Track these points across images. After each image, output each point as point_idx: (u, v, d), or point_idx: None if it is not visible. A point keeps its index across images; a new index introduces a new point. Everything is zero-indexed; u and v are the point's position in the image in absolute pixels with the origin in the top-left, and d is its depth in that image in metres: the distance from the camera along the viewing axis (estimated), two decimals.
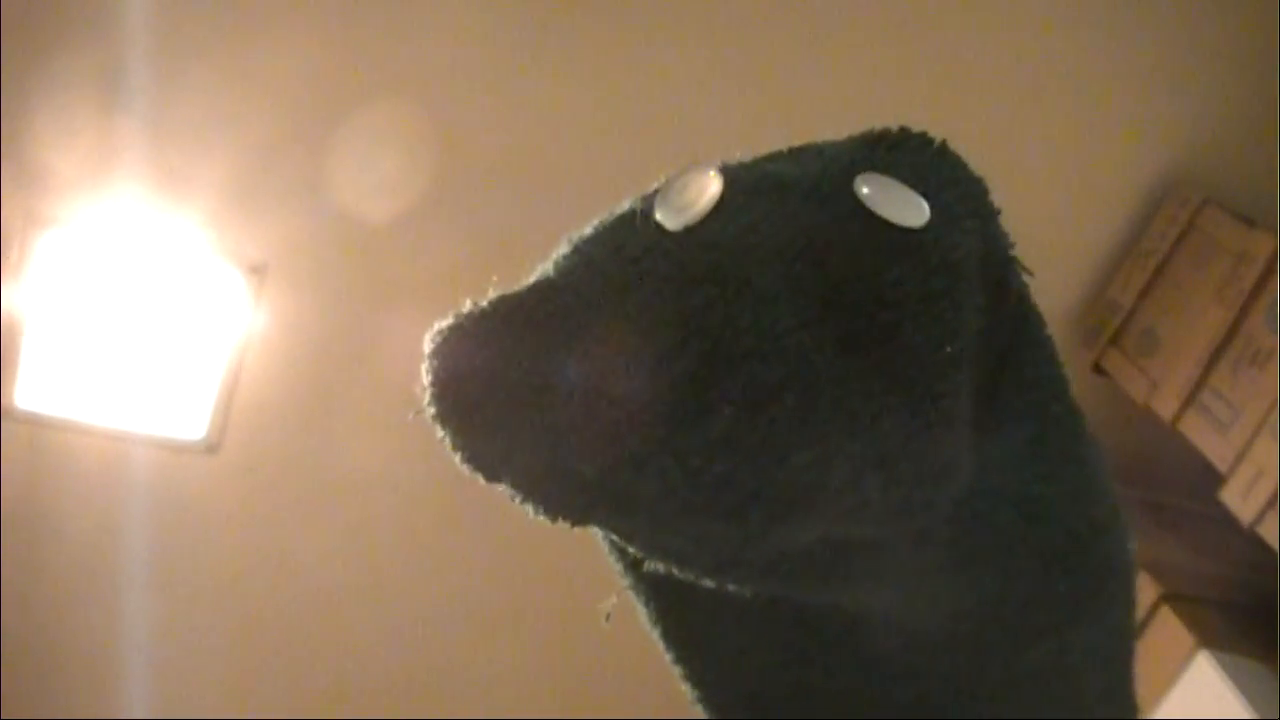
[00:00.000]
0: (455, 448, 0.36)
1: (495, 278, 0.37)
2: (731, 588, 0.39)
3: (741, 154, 0.39)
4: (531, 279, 0.36)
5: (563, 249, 0.37)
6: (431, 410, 0.35)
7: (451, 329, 0.35)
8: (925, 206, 0.35)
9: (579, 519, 0.36)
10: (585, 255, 0.36)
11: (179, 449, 1.98)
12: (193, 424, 1.96)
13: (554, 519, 0.37)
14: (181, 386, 1.93)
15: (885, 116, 0.40)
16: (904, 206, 0.35)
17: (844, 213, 0.35)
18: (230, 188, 1.82)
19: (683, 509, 0.33)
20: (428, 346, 0.36)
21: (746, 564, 0.37)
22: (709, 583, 0.39)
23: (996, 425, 0.37)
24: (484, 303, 0.35)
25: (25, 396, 1.88)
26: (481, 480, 0.36)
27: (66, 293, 1.83)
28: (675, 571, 0.39)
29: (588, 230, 0.37)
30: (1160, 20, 1.92)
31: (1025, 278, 0.39)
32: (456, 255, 1.81)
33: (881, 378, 0.33)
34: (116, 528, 2.03)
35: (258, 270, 1.86)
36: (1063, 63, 1.93)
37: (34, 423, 1.90)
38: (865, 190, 0.35)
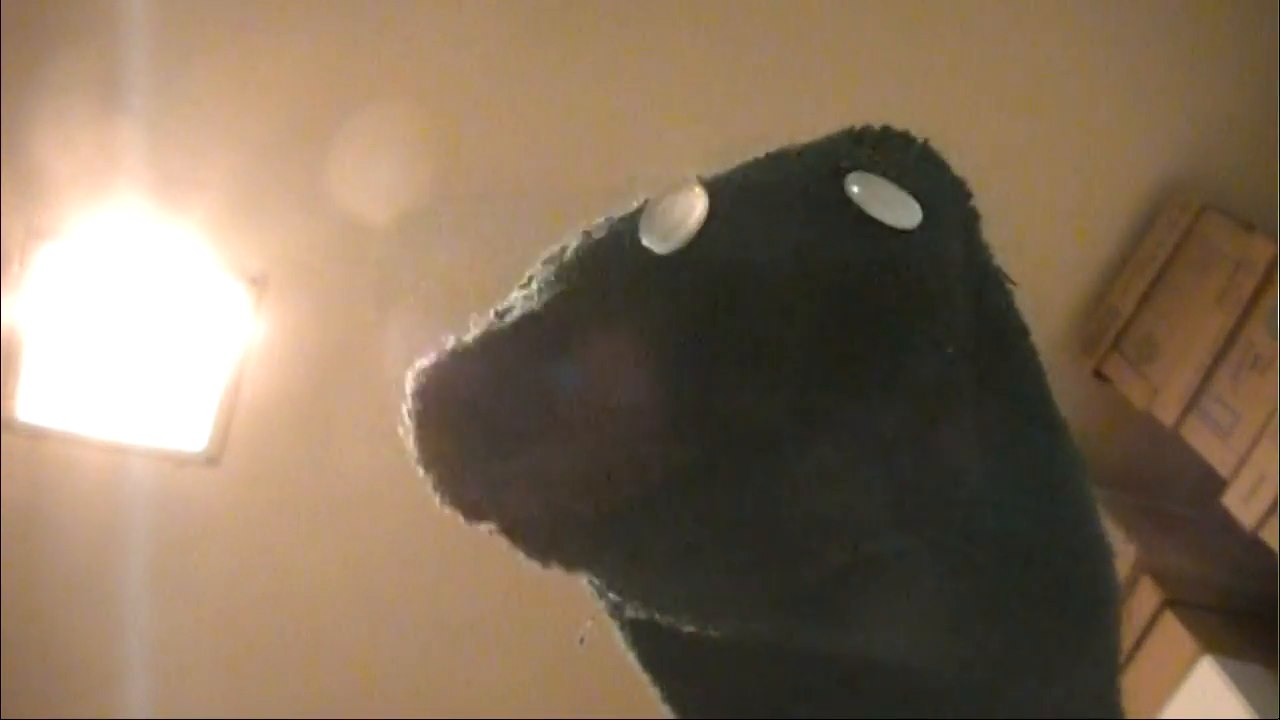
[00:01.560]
0: (438, 492, 0.35)
1: (475, 314, 0.36)
2: (719, 634, 0.38)
3: (739, 153, 0.38)
4: (515, 309, 0.35)
5: (541, 273, 0.35)
6: (415, 451, 0.35)
7: (435, 366, 0.34)
8: (917, 207, 0.35)
9: (574, 564, 0.36)
10: (571, 283, 0.34)
11: (180, 461, 1.98)
12: (193, 436, 1.96)
13: (545, 563, 0.36)
14: (182, 398, 1.93)
15: (882, 121, 0.39)
16: (895, 207, 0.34)
17: (835, 215, 0.34)
18: (230, 199, 1.82)
19: (692, 550, 0.32)
20: (409, 385, 0.35)
21: (746, 606, 0.36)
22: (700, 629, 0.38)
23: (978, 457, 0.36)
24: (467, 338, 0.34)
25: (26, 409, 1.88)
26: (462, 520, 0.35)
27: (67, 305, 1.83)
28: (664, 619, 0.38)
29: (569, 255, 0.36)
30: (1159, 26, 1.92)
31: (1009, 288, 0.38)
32: (458, 266, 1.81)
33: (885, 382, 0.32)
34: (117, 540, 2.02)
35: (258, 282, 1.86)
36: (1061, 69, 1.94)
37: (35, 435, 1.90)
38: (856, 190, 0.34)
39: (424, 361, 0.35)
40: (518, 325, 0.34)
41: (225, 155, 1.79)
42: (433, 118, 1.83)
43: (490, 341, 0.34)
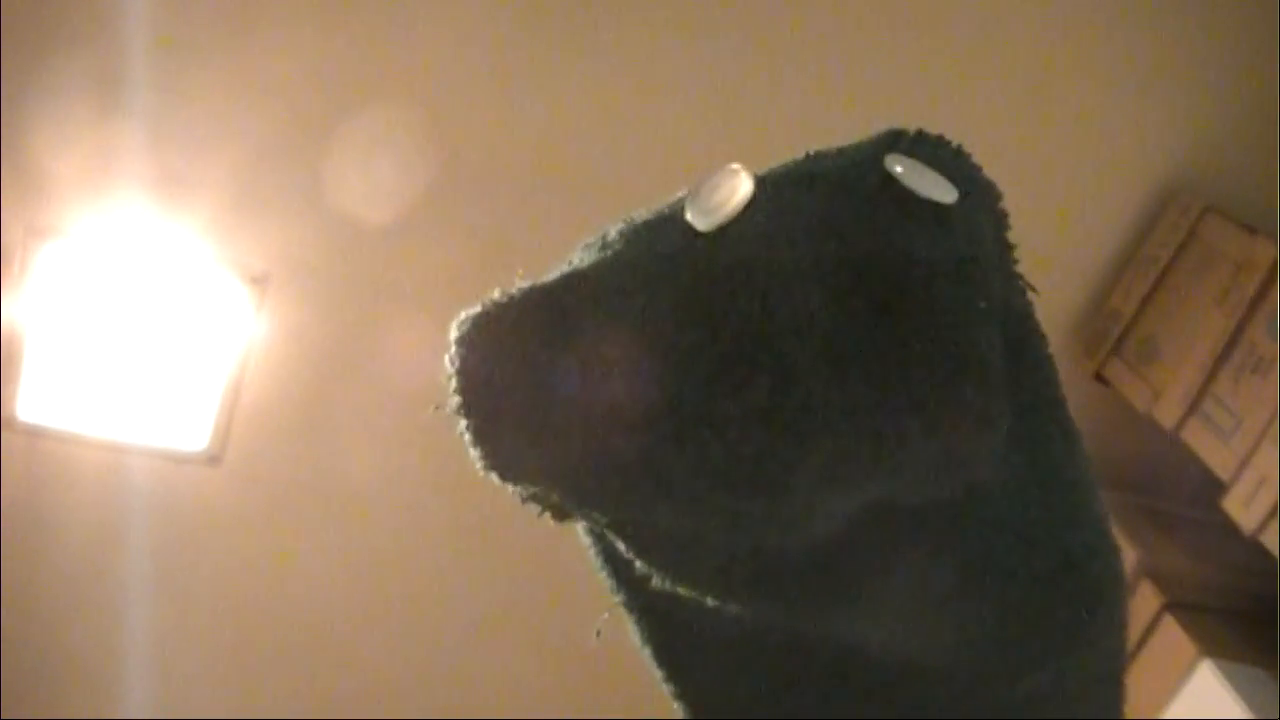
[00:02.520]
0: (479, 438, 0.35)
1: (521, 270, 0.37)
2: (730, 607, 0.39)
3: (744, 156, 0.39)
4: (557, 272, 0.36)
5: (588, 247, 0.37)
6: (458, 399, 0.35)
7: (480, 316, 0.35)
8: (953, 188, 0.36)
9: (612, 505, 0.36)
10: (615, 253, 0.36)
11: (181, 460, 1.98)
12: (194, 435, 1.96)
13: (583, 509, 0.36)
14: (183, 398, 1.93)
15: (886, 122, 0.40)
16: (934, 185, 0.36)
17: (873, 192, 0.35)
18: (231, 198, 1.82)
19: (722, 484, 0.33)
20: (454, 333, 0.35)
21: (758, 572, 0.37)
22: (711, 599, 0.39)
23: (997, 448, 0.37)
24: (513, 291, 0.35)
25: (27, 408, 1.88)
26: (497, 478, 0.36)
27: (68, 304, 1.83)
28: (682, 586, 0.39)
29: (614, 233, 0.37)
30: (1160, 28, 1.92)
31: (1029, 295, 0.39)
32: (459, 265, 1.82)
33: (916, 333, 0.33)
34: (118, 539, 2.02)
35: (259, 281, 1.86)
36: (1062, 71, 1.94)
37: (36, 434, 1.90)
38: (897, 169, 0.36)
39: (468, 311, 0.35)
40: (564, 280, 0.35)
41: (226, 154, 1.79)
42: (433, 117, 1.83)
43: (534, 295, 0.35)
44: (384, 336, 1.91)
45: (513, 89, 1.84)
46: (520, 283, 0.36)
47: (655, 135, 1.85)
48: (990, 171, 0.40)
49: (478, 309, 0.35)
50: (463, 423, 0.35)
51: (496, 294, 0.35)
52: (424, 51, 1.79)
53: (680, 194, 0.37)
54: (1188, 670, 1.59)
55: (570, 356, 0.33)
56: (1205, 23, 1.92)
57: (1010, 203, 0.40)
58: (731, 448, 0.32)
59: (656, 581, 0.40)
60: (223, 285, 1.86)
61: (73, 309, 1.83)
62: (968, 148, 0.39)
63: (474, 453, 0.36)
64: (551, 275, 0.36)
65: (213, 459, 1.98)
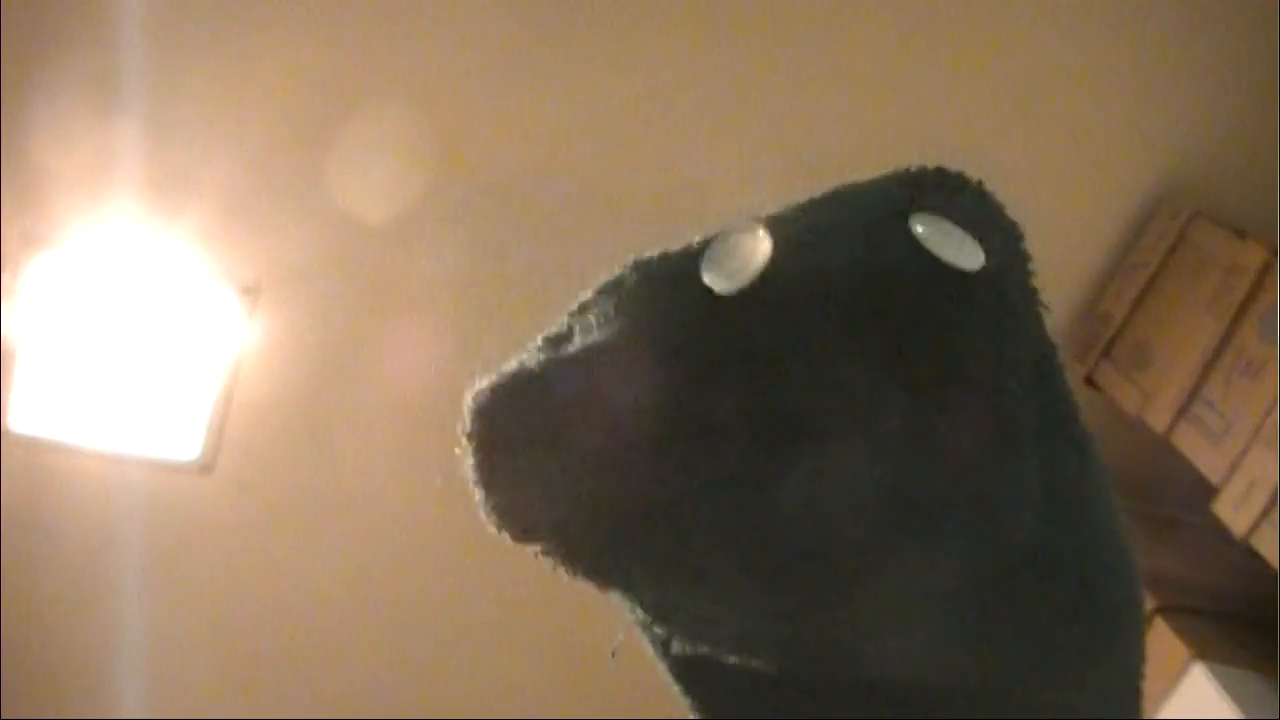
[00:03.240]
0: (496, 506, 0.35)
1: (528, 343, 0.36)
2: (755, 663, 0.39)
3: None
4: (574, 337, 0.35)
5: (599, 304, 0.36)
6: (473, 471, 0.35)
7: (497, 389, 0.35)
8: (979, 249, 0.35)
9: (622, 577, 0.36)
10: (633, 318, 0.35)
11: (173, 469, 1.98)
12: (187, 444, 1.95)
13: (597, 577, 0.36)
14: (175, 407, 1.93)
15: (880, 127, 0.40)
16: (960, 248, 0.35)
17: (900, 255, 0.35)
18: (223, 206, 1.82)
19: (753, 580, 0.33)
20: (469, 405, 0.35)
21: (769, 615, 0.37)
22: (733, 659, 0.39)
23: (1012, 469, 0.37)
24: (529, 362, 0.35)
25: (19, 419, 1.88)
26: (511, 540, 0.36)
27: (60, 314, 1.83)
28: (699, 647, 0.39)
29: (627, 287, 0.36)
30: (1151, 33, 1.93)
31: (1043, 314, 0.39)
32: (453, 273, 1.82)
33: (951, 414, 0.33)
34: (112, 548, 2.02)
35: (250, 290, 1.86)
36: (1053, 76, 1.94)
37: (28, 445, 1.90)
38: (920, 230, 0.35)
39: (484, 383, 0.35)
40: (584, 355, 0.35)
41: (218, 161, 1.79)
42: (429, 122, 1.83)
43: (554, 368, 0.34)
44: (376, 344, 1.91)
45: (510, 95, 1.84)
46: (533, 345, 0.35)
47: (655, 139, 1.85)
48: (981, 176, 0.40)
49: (493, 381, 0.35)
50: (476, 489, 0.35)
51: (514, 365, 0.35)
52: (420, 58, 1.79)
53: (696, 240, 0.36)
54: (1180, 673, 1.60)
55: (585, 441, 0.33)
56: (1194, 29, 1.93)
57: None
58: (760, 546, 0.32)
59: (677, 647, 0.39)
60: (214, 294, 1.86)
61: (65, 319, 1.83)
62: (958, 154, 0.39)
63: (485, 516, 0.36)
64: (560, 334, 0.35)
65: (205, 468, 1.98)
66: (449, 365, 1.66)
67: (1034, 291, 0.38)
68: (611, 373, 0.34)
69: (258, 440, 1.99)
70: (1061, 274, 2.04)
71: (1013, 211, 0.41)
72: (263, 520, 2.07)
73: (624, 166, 1.84)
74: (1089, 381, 1.97)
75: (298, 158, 1.80)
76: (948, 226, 0.35)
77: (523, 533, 0.35)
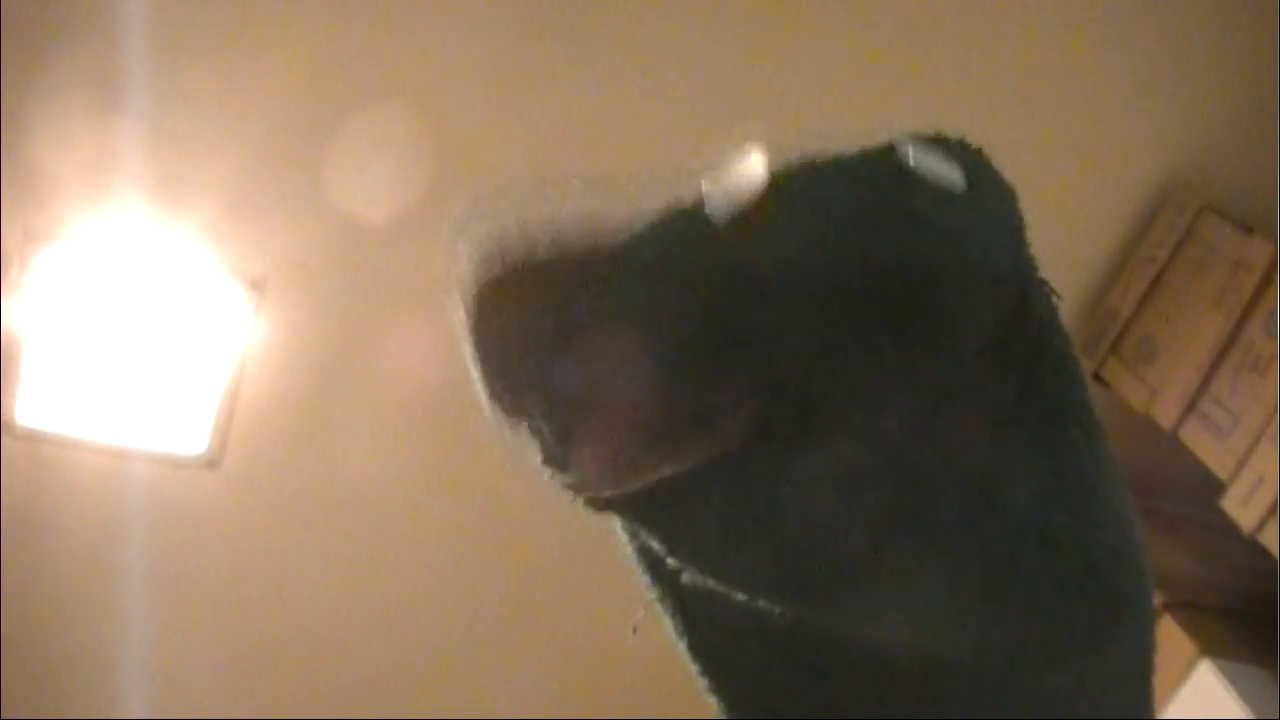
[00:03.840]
0: (491, 361, 0.36)
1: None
2: (763, 604, 0.40)
3: (740, 156, 0.39)
4: (584, 227, 0.37)
5: (613, 215, 0.38)
6: (471, 323, 0.35)
7: (499, 279, 0.36)
8: (961, 175, 0.36)
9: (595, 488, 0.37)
10: (638, 235, 0.37)
11: (179, 464, 1.98)
12: (193, 439, 1.96)
13: (609, 495, 0.37)
14: (182, 401, 1.93)
15: (884, 121, 0.40)
16: (943, 172, 0.36)
17: (888, 174, 0.36)
18: (229, 201, 1.82)
19: (734, 536, 0.33)
20: (475, 255, 0.35)
21: (794, 571, 0.38)
22: (744, 595, 0.39)
23: (1021, 455, 0.37)
24: (535, 243, 0.36)
25: (26, 413, 1.88)
26: (502, 412, 0.36)
27: (66, 309, 1.83)
28: (712, 581, 0.39)
29: (637, 215, 0.38)
30: (1158, 28, 1.92)
31: (1054, 301, 0.40)
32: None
33: (924, 347, 0.33)
34: (117, 543, 2.02)
35: (257, 284, 1.86)
36: (1061, 71, 1.94)
37: (34, 439, 1.90)
38: (910, 152, 0.37)
39: (493, 244, 0.36)
40: (586, 255, 0.36)
41: (224, 157, 1.79)
42: (432, 119, 1.83)
43: (552, 268, 0.36)
44: (382, 339, 1.91)
45: (511, 92, 1.83)
46: (547, 210, 0.36)
47: (655, 138, 1.85)
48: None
49: (501, 246, 0.35)
50: (473, 349, 0.36)
51: (519, 236, 0.36)
52: (422, 55, 1.79)
53: (701, 180, 0.38)
54: (1187, 669, 1.59)
55: (578, 324, 0.34)
56: (1201, 23, 1.93)
57: None
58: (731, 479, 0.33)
59: (688, 578, 0.40)
60: (221, 289, 1.86)
61: (71, 313, 1.83)
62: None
63: (479, 383, 0.36)
64: (574, 227, 0.36)
65: (211, 462, 1.98)
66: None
67: (1032, 261, 0.39)
68: (604, 270, 0.35)
69: (264, 435, 1.99)
70: (1069, 268, 2.03)
71: (1020, 204, 0.41)
72: (268, 513, 2.08)
73: (624, 165, 1.83)
74: (1096, 377, 1.96)
75: (304, 153, 1.80)
76: (935, 151, 0.37)
77: (513, 398, 0.36)
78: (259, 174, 1.81)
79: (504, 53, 1.81)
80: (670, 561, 0.40)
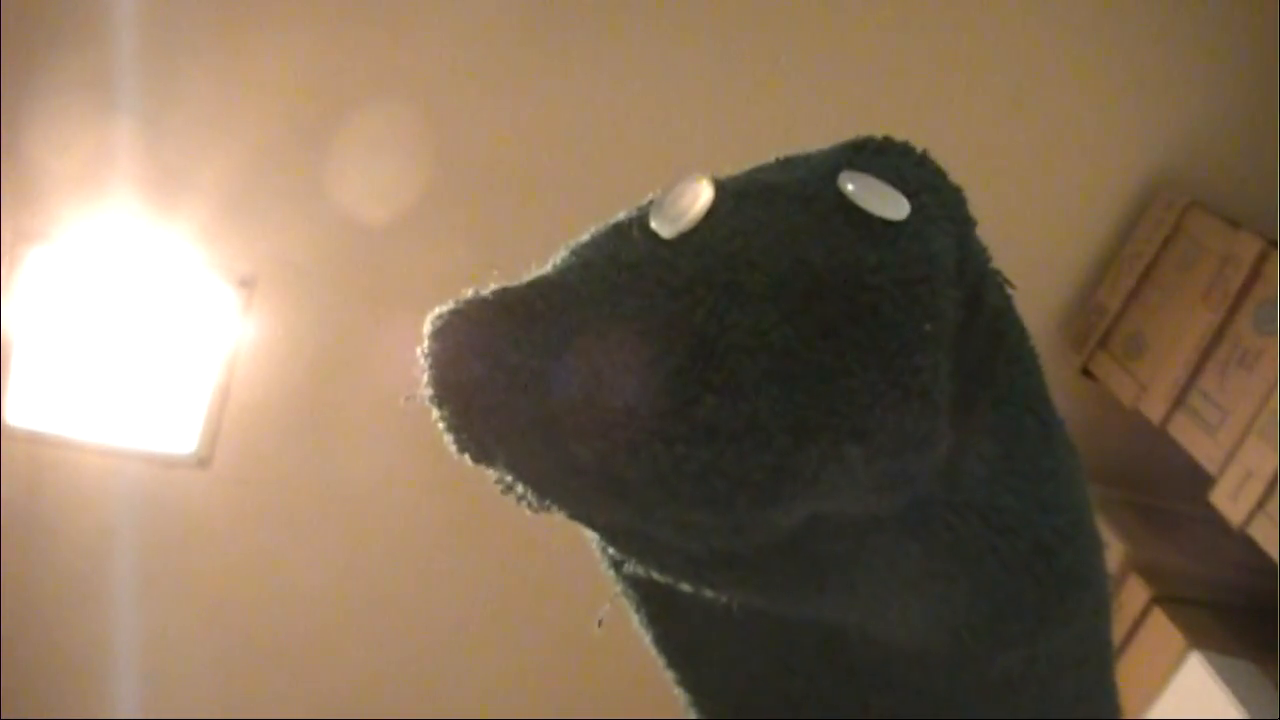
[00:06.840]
0: (450, 428, 0.37)
1: (496, 271, 0.38)
2: (709, 594, 0.40)
3: (736, 154, 0.40)
4: (530, 277, 0.38)
5: (561, 254, 0.39)
6: (430, 390, 0.37)
7: (453, 313, 0.37)
8: (905, 203, 0.37)
9: (570, 505, 0.37)
10: (583, 259, 0.38)
11: (170, 463, 1.98)
12: (183, 438, 1.96)
13: (545, 503, 0.37)
14: (172, 401, 1.93)
15: (873, 120, 0.41)
16: (885, 201, 0.37)
17: (828, 209, 0.37)
18: (218, 200, 1.82)
19: (671, 496, 0.34)
20: (428, 328, 0.37)
21: (726, 562, 0.38)
22: (686, 587, 0.40)
23: (970, 439, 0.38)
24: (485, 292, 0.37)
25: (15, 413, 1.88)
26: (469, 460, 0.37)
27: (56, 309, 1.83)
28: (655, 574, 0.40)
29: (585, 238, 0.39)
30: (1144, 24, 1.93)
31: (1008, 290, 0.40)
32: (449, 268, 1.81)
33: (861, 356, 0.34)
34: (108, 543, 2.02)
35: (247, 284, 1.86)
36: (1047, 67, 1.94)
37: (23, 439, 1.90)
38: (849, 187, 0.37)
39: (443, 308, 0.37)
40: (533, 285, 0.37)
41: (214, 157, 1.79)
42: (425, 118, 1.83)
43: (508, 296, 0.37)
44: (373, 339, 1.91)
45: (506, 92, 1.84)
46: (495, 285, 0.37)
47: (651, 139, 1.85)
48: (975, 168, 0.41)
49: (451, 305, 0.37)
50: (436, 411, 0.37)
51: (470, 293, 0.37)
52: (419, 52, 1.79)
53: (648, 199, 0.39)
54: (1177, 663, 1.60)
55: (534, 362, 0.35)
56: (1189, 19, 1.93)
57: (996, 199, 0.40)
58: (679, 463, 0.33)
59: (630, 568, 0.41)
60: (211, 288, 1.86)
61: (61, 313, 1.83)
62: (953, 146, 0.40)
63: (447, 438, 0.37)
64: (526, 278, 0.38)
65: (202, 462, 1.98)
66: None
67: (983, 255, 0.40)
68: (553, 305, 0.36)
69: (254, 434, 1.99)
70: (1057, 264, 2.04)
71: (1006, 200, 0.42)
72: (260, 513, 2.07)
73: (624, 166, 1.84)
74: (1085, 372, 1.97)
75: (295, 153, 1.80)
76: (875, 182, 0.37)
77: (478, 447, 0.37)
78: (251, 174, 1.81)
79: (499, 53, 1.81)
80: (611, 551, 0.41)
